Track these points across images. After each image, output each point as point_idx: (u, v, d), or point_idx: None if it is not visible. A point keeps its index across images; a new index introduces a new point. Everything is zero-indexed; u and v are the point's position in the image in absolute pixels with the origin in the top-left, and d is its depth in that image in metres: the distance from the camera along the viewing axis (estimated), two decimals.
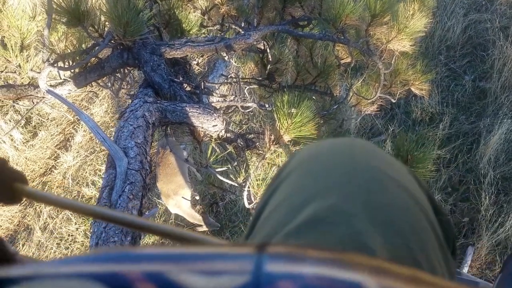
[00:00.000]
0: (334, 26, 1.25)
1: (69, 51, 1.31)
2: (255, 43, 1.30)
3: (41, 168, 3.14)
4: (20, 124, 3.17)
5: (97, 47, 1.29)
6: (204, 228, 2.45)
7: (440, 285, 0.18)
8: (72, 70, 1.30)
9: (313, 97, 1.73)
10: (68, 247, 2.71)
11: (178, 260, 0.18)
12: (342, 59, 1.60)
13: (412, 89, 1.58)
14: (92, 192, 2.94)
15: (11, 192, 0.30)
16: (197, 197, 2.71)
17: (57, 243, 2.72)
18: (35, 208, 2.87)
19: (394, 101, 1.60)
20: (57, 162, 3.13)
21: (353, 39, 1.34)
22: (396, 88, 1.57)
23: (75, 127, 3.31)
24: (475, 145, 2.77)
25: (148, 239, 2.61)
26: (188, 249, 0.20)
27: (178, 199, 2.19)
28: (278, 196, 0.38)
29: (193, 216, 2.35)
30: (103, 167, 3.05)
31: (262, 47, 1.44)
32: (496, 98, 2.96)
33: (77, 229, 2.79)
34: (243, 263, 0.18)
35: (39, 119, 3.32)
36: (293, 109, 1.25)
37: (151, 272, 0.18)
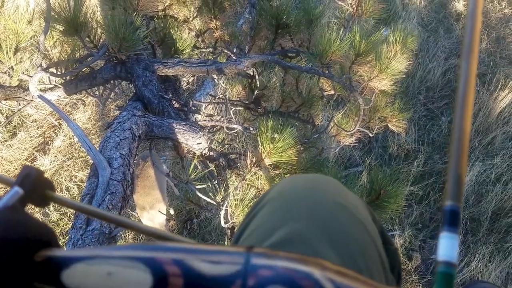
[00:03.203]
0: (320, 60, 1.32)
1: (63, 58, 1.34)
2: (245, 69, 1.36)
3: (16, 169, 3.09)
4: (2, 124, 3.14)
5: (91, 58, 1.32)
6: None
7: (375, 285, 0.26)
8: (64, 77, 1.32)
9: (296, 123, 1.79)
10: None
11: (193, 252, 0.27)
12: (326, 91, 1.68)
13: (389, 125, 1.65)
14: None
15: (43, 198, 0.35)
16: (172, 212, 2.71)
17: None
18: None
19: (371, 135, 1.67)
20: (33, 165, 3.09)
21: (337, 74, 1.41)
22: (374, 123, 1.64)
23: (55, 131, 3.29)
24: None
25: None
26: (199, 245, 0.28)
27: (153, 213, 2.19)
28: (257, 220, 0.48)
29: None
30: (80, 174, 3.02)
31: (251, 73, 1.50)
32: (469, 141, 3.07)
33: None
34: (237, 257, 0.27)
35: (20, 120, 3.28)
36: (276, 135, 1.30)
37: (175, 258, 0.27)
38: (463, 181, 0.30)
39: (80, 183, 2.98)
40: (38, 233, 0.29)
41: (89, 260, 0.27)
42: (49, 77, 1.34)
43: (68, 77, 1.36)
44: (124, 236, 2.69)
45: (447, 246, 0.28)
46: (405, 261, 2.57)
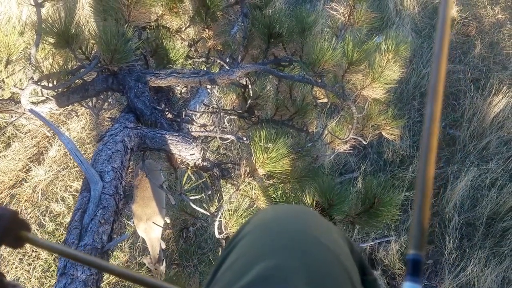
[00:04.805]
0: (313, 69, 1.32)
1: (54, 70, 1.33)
2: (237, 79, 1.36)
3: (11, 180, 3.07)
4: None
5: (82, 70, 1.32)
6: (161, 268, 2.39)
7: None
8: (56, 90, 1.32)
9: (290, 131, 1.79)
10: (31, 264, 2.63)
11: None
12: (319, 99, 1.68)
13: (383, 133, 1.65)
14: (60, 209, 2.88)
15: (17, 239, 0.34)
16: (168, 221, 2.69)
17: (19, 259, 2.64)
18: None
19: (365, 143, 1.67)
20: (28, 175, 3.07)
21: (330, 83, 1.41)
22: (368, 131, 1.64)
23: (50, 141, 3.27)
24: (442, 189, 2.88)
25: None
26: None
27: (149, 225, 2.17)
28: (234, 254, 0.48)
29: (154, 249, 2.30)
30: (75, 184, 3.00)
31: (245, 83, 1.50)
32: (464, 146, 3.09)
33: None
34: None
35: (13, 131, 3.27)
36: (269, 144, 1.29)
37: None
38: (426, 231, 0.31)
39: (75, 193, 2.96)
40: None
41: None
42: (41, 90, 1.33)
43: (60, 90, 1.35)
44: (120, 246, 2.68)
45: None
46: (401, 267, 2.57)
